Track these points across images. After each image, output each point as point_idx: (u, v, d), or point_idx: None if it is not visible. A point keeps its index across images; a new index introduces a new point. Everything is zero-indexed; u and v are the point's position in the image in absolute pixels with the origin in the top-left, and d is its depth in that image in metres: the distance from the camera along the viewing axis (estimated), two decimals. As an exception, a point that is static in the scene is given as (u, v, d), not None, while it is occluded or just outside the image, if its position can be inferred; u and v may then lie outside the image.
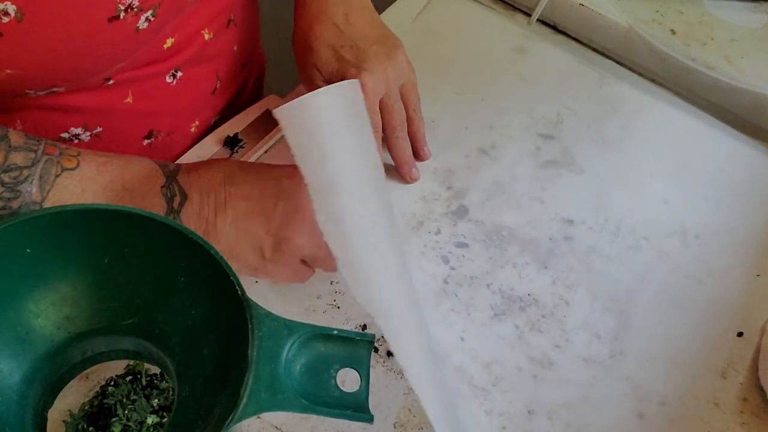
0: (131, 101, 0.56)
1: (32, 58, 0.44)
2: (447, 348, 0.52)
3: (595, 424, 0.49)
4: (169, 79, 0.58)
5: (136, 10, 0.46)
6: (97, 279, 0.33)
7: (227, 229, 0.46)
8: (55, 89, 0.49)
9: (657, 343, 0.54)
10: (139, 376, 0.44)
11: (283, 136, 0.63)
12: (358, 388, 0.32)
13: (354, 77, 0.57)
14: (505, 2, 0.79)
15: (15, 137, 0.42)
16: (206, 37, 0.60)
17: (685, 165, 0.65)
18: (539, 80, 0.71)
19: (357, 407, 0.32)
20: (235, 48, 0.66)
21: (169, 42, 0.55)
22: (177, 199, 0.46)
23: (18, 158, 0.41)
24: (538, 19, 0.77)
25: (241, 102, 0.73)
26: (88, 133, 0.56)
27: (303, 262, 0.49)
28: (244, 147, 0.63)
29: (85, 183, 0.44)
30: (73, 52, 0.45)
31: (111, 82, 0.53)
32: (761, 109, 0.67)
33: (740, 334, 0.55)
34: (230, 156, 0.62)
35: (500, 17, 0.77)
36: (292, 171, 0.48)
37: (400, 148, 0.60)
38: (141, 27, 0.48)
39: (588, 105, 0.69)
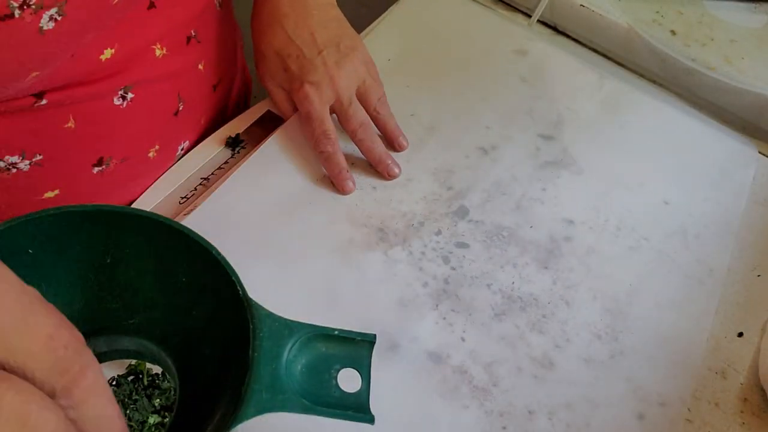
0: (74, 126, 0.52)
1: None
2: (447, 348, 0.52)
3: (596, 425, 0.49)
4: (117, 101, 0.54)
5: (34, 7, 0.41)
6: (98, 279, 0.33)
7: None
8: None
9: (657, 344, 0.54)
10: (140, 376, 0.45)
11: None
12: (359, 388, 0.32)
13: (297, 91, 0.58)
14: (506, 3, 0.79)
15: None
16: (158, 53, 0.55)
17: (685, 165, 0.65)
18: (539, 81, 0.71)
19: (358, 407, 0.32)
20: (201, 67, 0.61)
21: (108, 53, 0.50)
22: None
23: None
24: (538, 20, 0.77)
25: (222, 124, 0.68)
26: (27, 162, 0.52)
27: None
28: (245, 148, 0.63)
29: None
30: None
31: (44, 102, 0.49)
32: (761, 110, 0.67)
33: (740, 335, 0.55)
34: (232, 156, 0.62)
35: (500, 18, 0.77)
36: None
37: (367, 148, 0.61)
38: (45, 27, 0.42)
39: (588, 106, 0.69)
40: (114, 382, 0.44)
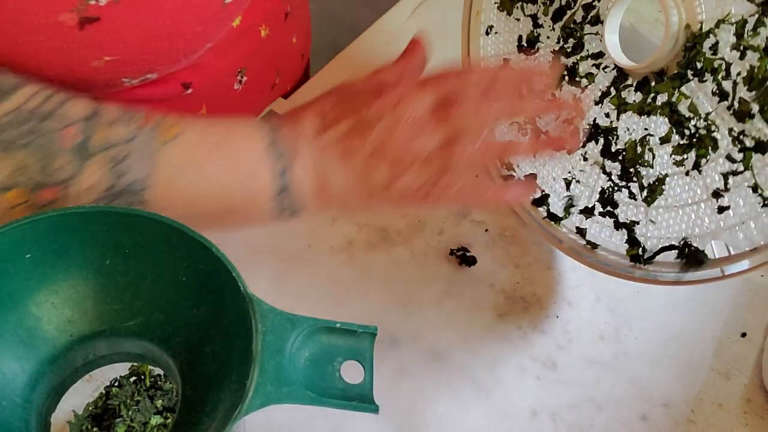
0: (205, 112, 0.56)
1: (128, 41, 0.42)
2: (450, 348, 0.52)
3: (599, 426, 0.49)
4: (236, 86, 0.58)
5: None
6: (98, 281, 0.33)
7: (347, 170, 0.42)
8: (149, 76, 0.47)
9: (660, 345, 0.54)
10: (143, 377, 0.45)
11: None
12: (362, 380, 0.32)
13: None
14: (508, 2, 0.79)
15: (108, 112, 0.38)
16: (263, 33, 0.59)
17: (689, 165, 0.65)
18: (542, 80, 0.71)
19: (362, 398, 0.32)
20: (294, 40, 0.65)
21: (237, 20, 0.54)
22: (287, 156, 0.41)
23: (114, 134, 0.37)
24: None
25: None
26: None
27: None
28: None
29: (189, 152, 0.40)
30: (165, 32, 0.44)
31: (189, 91, 0.53)
32: (765, 109, 0.67)
33: (744, 335, 0.55)
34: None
35: (503, 17, 0.77)
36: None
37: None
38: (228, 0, 0.46)
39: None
40: (116, 384, 0.44)
